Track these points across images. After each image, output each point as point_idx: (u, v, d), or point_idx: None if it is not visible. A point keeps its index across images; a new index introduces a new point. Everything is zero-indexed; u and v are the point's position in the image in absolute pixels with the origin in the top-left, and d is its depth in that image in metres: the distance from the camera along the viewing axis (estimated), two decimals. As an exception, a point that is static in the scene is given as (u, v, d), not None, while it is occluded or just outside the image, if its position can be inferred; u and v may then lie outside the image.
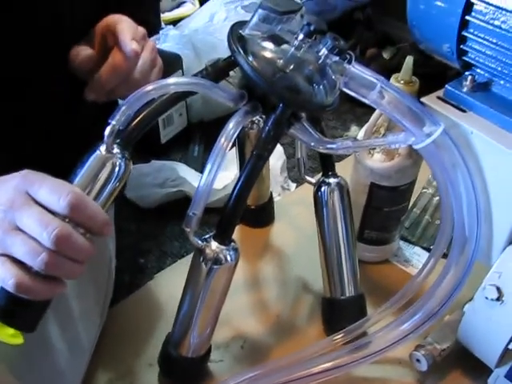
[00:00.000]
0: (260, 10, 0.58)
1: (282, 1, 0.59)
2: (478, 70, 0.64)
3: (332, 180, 0.75)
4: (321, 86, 0.60)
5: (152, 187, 1.00)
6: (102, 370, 0.74)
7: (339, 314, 0.78)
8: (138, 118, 0.58)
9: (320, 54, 0.58)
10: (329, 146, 0.63)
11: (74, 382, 0.68)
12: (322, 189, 0.75)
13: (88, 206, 0.51)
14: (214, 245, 0.61)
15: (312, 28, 0.57)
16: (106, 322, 0.77)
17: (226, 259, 0.61)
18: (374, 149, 0.80)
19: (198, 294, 0.63)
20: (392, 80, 0.76)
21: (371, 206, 0.85)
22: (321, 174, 0.77)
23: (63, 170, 0.56)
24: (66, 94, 0.69)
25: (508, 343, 0.65)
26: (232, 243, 0.62)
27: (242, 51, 0.57)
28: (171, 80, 0.57)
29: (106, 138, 0.54)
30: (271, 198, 0.98)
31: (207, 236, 0.61)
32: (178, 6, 1.48)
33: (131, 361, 0.75)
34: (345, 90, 0.59)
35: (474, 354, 0.71)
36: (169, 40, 1.17)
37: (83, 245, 0.50)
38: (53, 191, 0.49)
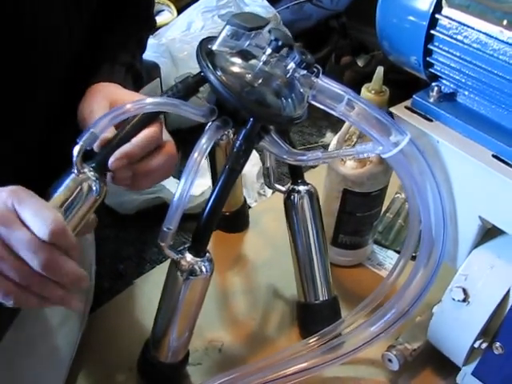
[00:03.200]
0: (228, 26, 0.60)
1: (250, 17, 0.60)
2: (444, 81, 0.66)
3: (302, 188, 0.77)
4: (289, 100, 0.62)
5: (130, 194, 1.02)
6: (83, 374, 0.76)
7: (314, 317, 0.80)
8: (112, 142, 0.60)
9: (288, 68, 0.60)
10: (299, 157, 0.66)
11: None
12: (292, 196, 0.77)
13: (67, 237, 0.52)
14: (189, 257, 0.62)
15: (280, 43, 0.59)
16: (86, 328, 0.79)
17: (201, 271, 0.62)
18: (347, 155, 0.83)
19: (174, 303, 0.65)
20: (363, 90, 0.79)
21: (344, 211, 0.87)
22: (290, 182, 0.79)
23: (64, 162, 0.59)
24: (62, 104, 0.71)
25: (474, 342, 0.67)
26: (207, 254, 0.63)
27: (211, 67, 0.58)
28: (143, 101, 0.58)
29: (74, 157, 0.55)
30: (245, 203, 1.01)
31: (182, 248, 0.63)
32: (156, 14, 1.49)
33: (111, 365, 0.77)
34: (313, 102, 0.61)
35: (444, 353, 0.74)
36: (147, 49, 1.18)
37: (70, 267, 0.53)
38: (36, 215, 0.51)
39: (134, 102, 0.57)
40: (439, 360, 0.75)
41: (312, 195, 0.78)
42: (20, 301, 0.52)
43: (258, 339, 0.83)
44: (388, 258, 0.97)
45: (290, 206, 0.78)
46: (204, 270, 0.62)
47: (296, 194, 0.77)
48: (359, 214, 0.87)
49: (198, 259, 0.62)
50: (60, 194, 0.55)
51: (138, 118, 0.61)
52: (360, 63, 1.45)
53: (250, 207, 1.05)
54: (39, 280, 0.52)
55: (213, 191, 0.61)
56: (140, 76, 0.79)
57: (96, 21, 0.74)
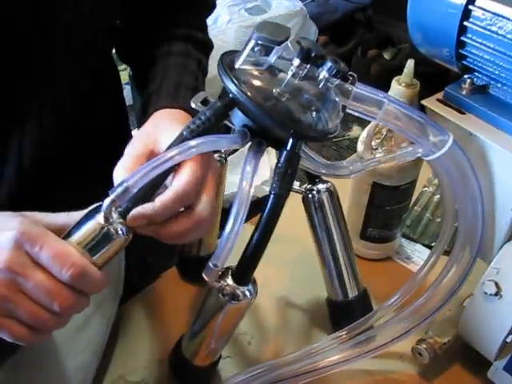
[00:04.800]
0: (253, 41, 0.55)
1: (274, 28, 0.56)
2: (477, 74, 0.66)
3: (321, 186, 0.75)
4: (322, 112, 0.58)
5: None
6: (113, 366, 0.77)
7: (345, 314, 0.79)
8: (143, 189, 0.53)
9: (320, 78, 0.56)
10: (339, 172, 0.64)
11: (85, 380, 0.70)
12: (311, 196, 0.75)
13: (89, 277, 0.49)
14: (232, 281, 0.59)
15: (312, 53, 0.55)
16: (115, 321, 0.80)
17: (244, 295, 0.59)
18: (377, 149, 0.82)
19: (212, 321, 0.63)
20: (394, 83, 0.78)
21: (373, 204, 0.87)
22: (308, 182, 0.76)
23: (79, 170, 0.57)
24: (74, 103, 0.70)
25: (506, 336, 0.67)
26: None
27: (240, 87, 0.53)
28: (174, 152, 0.52)
29: (103, 208, 0.50)
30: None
31: (224, 270, 0.59)
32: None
33: (142, 357, 0.78)
34: (351, 112, 0.59)
35: (474, 348, 0.73)
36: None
37: (84, 305, 0.51)
38: (55, 258, 0.48)
39: (172, 150, 0.51)
40: (469, 354, 0.74)
41: (332, 193, 0.75)
42: (33, 342, 0.51)
43: (287, 333, 0.83)
44: (416, 251, 0.97)
45: (310, 206, 0.76)
46: (248, 294, 0.59)
47: (315, 194, 0.74)
48: (388, 208, 0.87)
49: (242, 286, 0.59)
50: (83, 234, 0.51)
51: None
52: (386, 56, 1.45)
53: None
54: (56, 321, 0.50)
55: (259, 221, 0.56)
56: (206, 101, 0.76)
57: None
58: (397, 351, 0.78)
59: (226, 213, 0.60)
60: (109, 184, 0.52)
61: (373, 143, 0.83)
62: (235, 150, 0.72)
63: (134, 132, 0.93)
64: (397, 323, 0.71)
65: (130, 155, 0.57)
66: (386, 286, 0.85)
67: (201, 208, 0.56)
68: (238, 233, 0.53)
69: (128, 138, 0.86)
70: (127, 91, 0.92)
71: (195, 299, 0.86)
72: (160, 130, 0.60)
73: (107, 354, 0.76)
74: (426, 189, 1.06)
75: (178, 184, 0.54)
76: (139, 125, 0.66)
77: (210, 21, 1.28)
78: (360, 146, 0.85)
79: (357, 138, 1.14)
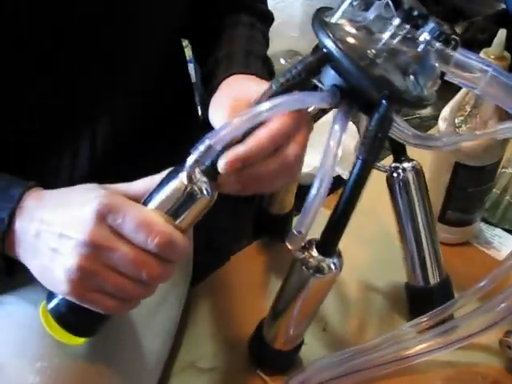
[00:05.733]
0: None
1: None
2: None
3: (406, 165, 0.71)
4: (419, 77, 0.54)
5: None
6: (183, 352, 0.75)
7: (425, 301, 0.75)
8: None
9: (420, 40, 0.52)
10: (431, 142, 0.60)
11: (157, 364, 0.68)
12: (396, 175, 0.71)
13: (175, 245, 0.48)
14: (316, 253, 0.57)
15: (415, 13, 0.51)
16: (186, 304, 0.77)
17: (329, 268, 0.57)
18: (460, 126, 0.78)
19: (296, 298, 0.61)
20: (481, 55, 0.73)
21: (455, 186, 0.82)
22: (393, 160, 0.73)
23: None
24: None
25: None
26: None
27: (335, 40, 0.50)
28: (261, 108, 0.49)
29: (187, 167, 0.48)
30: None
31: (307, 242, 0.57)
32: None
33: (213, 343, 0.75)
34: (449, 79, 0.54)
35: None
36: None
37: (171, 273, 0.50)
38: (139, 228, 0.46)
39: (258, 107, 0.49)
40: None
41: (418, 172, 0.72)
42: (121, 312, 0.50)
43: (363, 319, 0.79)
44: (496, 236, 0.92)
45: (394, 185, 0.72)
46: (333, 267, 0.57)
47: (401, 172, 0.71)
48: (470, 190, 0.82)
49: (327, 258, 0.57)
50: (166, 198, 0.49)
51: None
52: (458, 30, 1.38)
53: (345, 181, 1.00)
54: (144, 291, 0.49)
55: (345, 188, 0.54)
56: (273, 73, 0.73)
57: None
58: (482, 342, 0.73)
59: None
60: (179, 160, 0.50)
61: (456, 120, 0.78)
62: (321, 115, 0.68)
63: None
64: (483, 314, 0.67)
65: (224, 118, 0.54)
66: (466, 273, 0.82)
67: (289, 151, 0.52)
68: (323, 197, 0.50)
69: (195, 112, 0.85)
70: (190, 69, 0.89)
71: (269, 282, 0.83)
72: (246, 91, 0.57)
73: (177, 340, 0.74)
74: (505, 170, 1.00)
75: (272, 124, 0.51)
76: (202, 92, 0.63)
77: (276, -5, 1.25)
78: (442, 124, 0.80)
79: (428, 117, 1.08)
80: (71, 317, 0.51)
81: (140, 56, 0.65)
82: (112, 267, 0.47)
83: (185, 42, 1.16)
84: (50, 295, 0.51)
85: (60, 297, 0.51)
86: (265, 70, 0.69)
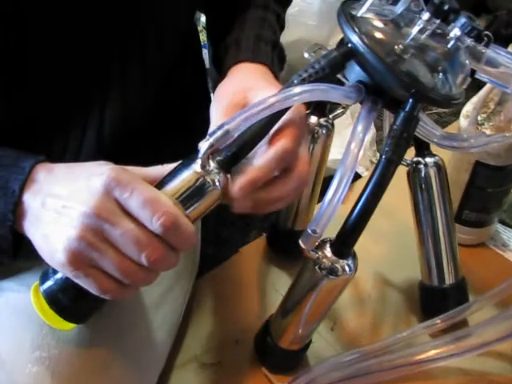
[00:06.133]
0: None
1: None
2: None
3: (429, 160, 0.69)
4: (448, 75, 0.52)
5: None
6: (186, 346, 0.72)
7: (439, 302, 0.73)
8: (243, 139, 0.50)
9: (450, 36, 0.50)
10: (458, 143, 0.57)
11: (161, 357, 0.66)
12: (418, 170, 0.69)
13: (181, 229, 0.46)
14: (330, 253, 0.55)
15: (446, 8, 0.49)
16: (191, 296, 0.75)
17: (343, 270, 0.55)
18: (483, 124, 0.75)
19: (306, 298, 0.59)
20: (510, 49, 0.70)
21: (474, 185, 0.80)
22: (415, 154, 0.71)
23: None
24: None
25: None
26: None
27: (362, 36, 0.49)
28: (283, 95, 0.47)
29: (201, 154, 0.47)
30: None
31: (321, 241, 0.55)
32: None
33: (217, 337, 0.73)
34: (480, 78, 0.53)
35: None
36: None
37: (173, 261, 0.48)
38: (146, 205, 0.45)
39: (277, 94, 0.48)
40: None
41: (440, 168, 0.69)
42: (117, 296, 0.48)
43: (372, 319, 0.77)
44: (514, 238, 0.89)
45: (415, 180, 0.69)
46: (347, 269, 0.55)
47: (422, 168, 0.68)
48: (490, 190, 0.80)
49: (341, 259, 0.55)
50: (177, 184, 0.48)
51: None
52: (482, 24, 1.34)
53: (360, 176, 0.98)
54: (143, 275, 0.47)
55: (366, 187, 0.52)
56: (284, 58, 0.71)
57: None
58: (496, 350, 0.71)
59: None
60: (190, 150, 0.49)
61: (478, 118, 0.75)
62: (342, 113, 0.65)
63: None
64: (502, 321, 0.65)
65: (220, 112, 0.54)
66: (480, 275, 0.80)
67: (301, 169, 0.52)
68: (341, 198, 0.49)
69: (208, 98, 0.82)
70: (204, 54, 0.87)
71: (278, 277, 0.81)
72: (249, 88, 0.56)
73: (180, 333, 0.72)
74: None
75: (278, 143, 0.50)
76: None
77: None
78: (463, 121, 0.77)
79: (446, 113, 1.05)
80: (64, 299, 0.49)
81: (155, 30, 0.62)
82: (112, 243, 0.45)
83: (199, 27, 1.14)
84: (45, 276, 0.50)
85: (54, 277, 0.49)
86: (275, 55, 0.67)
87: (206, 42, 1.29)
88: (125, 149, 0.60)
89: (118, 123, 0.61)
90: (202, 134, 0.49)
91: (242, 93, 0.55)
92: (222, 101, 0.56)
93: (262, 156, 0.50)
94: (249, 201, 0.51)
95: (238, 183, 0.49)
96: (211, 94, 0.88)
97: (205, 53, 1.12)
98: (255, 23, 0.69)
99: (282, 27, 0.76)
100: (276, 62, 0.66)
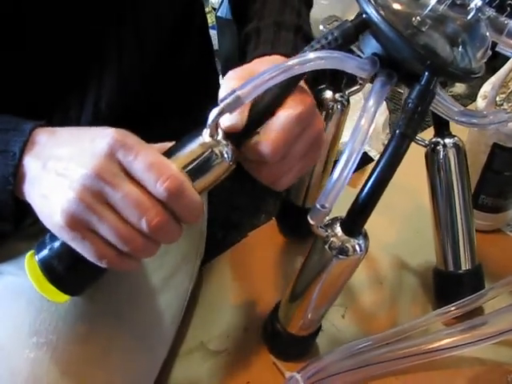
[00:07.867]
0: None
1: None
2: None
3: (448, 140, 0.67)
4: (467, 48, 0.50)
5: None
6: (192, 332, 0.71)
7: (454, 289, 0.71)
8: (256, 108, 0.49)
9: (471, 7, 0.48)
10: (477, 120, 0.55)
11: (164, 343, 0.65)
12: (437, 150, 0.67)
13: (186, 196, 0.44)
14: (341, 232, 0.53)
15: None
16: (196, 282, 0.74)
17: (353, 250, 0.53)
18: (501, 104, 0.72)
19: (316, 279, 0.57)
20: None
21: (491, 169, 0.78)
22: (434, 134, 0.69)
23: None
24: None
25: None
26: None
27: (380, 10, 0.47)
28: (293, 61, 0.46)
29: (210, 120, 0.46)
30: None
31: (331, 220, 0.53)
32: None
33: (224, 324, 0.72)
34: (501, 50, 0.50)
35: None
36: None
37: (175, 233, 0.46)
38: (150, 168, 0.43)
39: (290, 59, 0.46)
40: None
41: (459, 149, 0.67)
42: (115, 265, 0.46)
43: (384, 306, 0.75)
44: (531, 224, 0.86)
45: (433, 162, 0.68)
46: (358, 248, 0.53)
47: (441, 148, 0.66)
48: (507, 173, 0.77)
49: (352, 238, 0.53)
50: (184, 155, 0.46)
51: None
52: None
53: (373, 160, 0.95)
54: (141, 244, 0.44)
55: (378, 162, 0.50)
56: (310, 39, 0.69)
57: None
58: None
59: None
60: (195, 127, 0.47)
61: (497, 98, 0.73)
62: (358, 90, 0.63)
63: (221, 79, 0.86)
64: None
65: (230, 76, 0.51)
66: (496, 262, 0.78)
67: (318, 125, 0.52)
68: (350, 171, 0.48)
69: (214, 79, 0.80)
70: (213, 35, 0.84)
71: (287, 261, 0.79)
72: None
73: (185, 319, 0.70)
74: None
75: (293, 106, 0.49)
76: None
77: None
78: (481, 102, 0.74)
79: (460, 95, 1.02)
80: (59, 267, 0.47)
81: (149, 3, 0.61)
82: (113, 207, 0.43)
83: (207, 8, 1.11)
84: (41, 244, 0.48)
85: (51, 245, 0.47)
86: (298, 40, 0.64)
87: (214, 23, 1.27)
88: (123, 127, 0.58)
89: (115, 99, 0.59)
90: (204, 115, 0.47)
91: (254, 63, 0.54)
92: (233, 68, 0.53)
93: (281, 118, 0.49)
94: (279, 158, 0.49)
95: (269, 138, 0.48)
96: (220, 76, 0.86)
97: (213, 34, 1.09)
98: (275, 7, 0.67)
99: (308, 5, 0.72)
100: (301, 46, 0.63)
